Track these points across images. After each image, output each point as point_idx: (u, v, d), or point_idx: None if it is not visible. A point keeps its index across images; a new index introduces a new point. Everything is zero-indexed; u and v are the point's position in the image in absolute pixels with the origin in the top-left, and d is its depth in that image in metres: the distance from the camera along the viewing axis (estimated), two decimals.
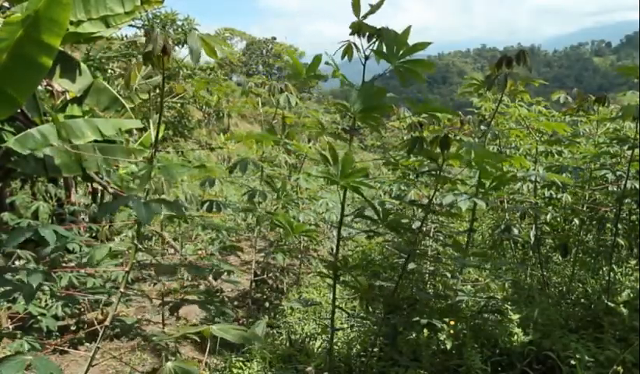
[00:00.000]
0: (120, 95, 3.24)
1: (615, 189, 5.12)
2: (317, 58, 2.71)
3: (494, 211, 6.82)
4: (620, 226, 4.96)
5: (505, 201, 6.08)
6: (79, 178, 4.96)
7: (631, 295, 5.13)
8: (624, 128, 5.73)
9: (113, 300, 2.36)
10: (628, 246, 5.19)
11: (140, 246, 2.64)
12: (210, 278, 3.58)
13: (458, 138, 4.98)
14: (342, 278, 3.13)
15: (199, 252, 3.56)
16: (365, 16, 2.36)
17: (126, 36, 10.47)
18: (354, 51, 2.49)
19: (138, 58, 2.62)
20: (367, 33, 2.34)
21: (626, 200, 4.89)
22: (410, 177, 4.78)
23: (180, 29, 9.67)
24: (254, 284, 4.69)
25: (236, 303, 5.07)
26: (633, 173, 4.74)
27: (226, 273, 3.43)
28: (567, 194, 5.49)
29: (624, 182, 4.68)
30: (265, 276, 5.27)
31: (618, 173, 4.94)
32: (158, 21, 9.80)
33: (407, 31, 2.27)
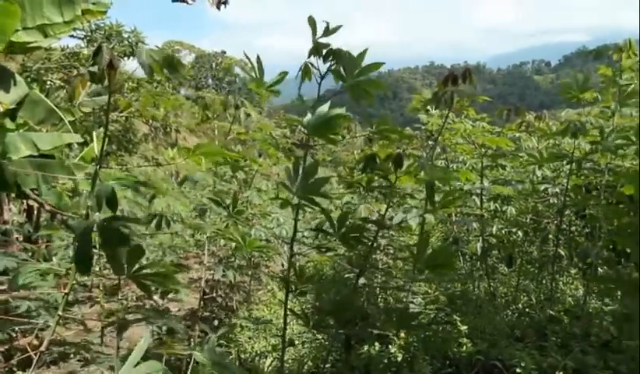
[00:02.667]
0: (58, 108, 3.09)
1: (555, 202, 5.35)
2: (282, 74, 2.72)
3: (443, 224, 6.97)
4: (560, 237, 5.17)
5: (454, 214, 6.23)
6: (13, 195, 4.70)
7: (572, 303, 5.34)
8: (562, 144, 6.00)
9: (50, 324, 2.22)
10: (569, 256, 5.41)
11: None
12: (156, 298, 3.45)
13: (408, 153, 5.07)
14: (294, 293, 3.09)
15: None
16: (321, 38, 2.39)
17: (67, 46, 10.11)
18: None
19: (81, 71, 2.51)
20: (324, 54, 2.37)
21: (566, 212, 5.10)
22: (361, 192, 4.82)
23: (126, 42, 9.40)
24: (202, 302, 4.57)
25: (183, 323, 4.92)
26: (572, 186, 4.97)
27: (173, 292, 3.32)
28: (511, 207, 5.69)
29: (563, 195, 4.90)
30: (215, 293, 5.16)
31: (558, 186, 5.17)
32: (102, 33, 9.51)
33: (363, 53, 2.36)
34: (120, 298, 2.84)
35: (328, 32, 2.36)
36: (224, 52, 41.56)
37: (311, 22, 2.36)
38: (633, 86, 4.68)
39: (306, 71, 2.41)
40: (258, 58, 2.50)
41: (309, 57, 2.39)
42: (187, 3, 4.09)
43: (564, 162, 4.97)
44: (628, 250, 4.27)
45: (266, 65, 2.61)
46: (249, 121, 4.33)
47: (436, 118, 5.34)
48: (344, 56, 2.32)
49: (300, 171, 2.23)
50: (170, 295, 3.67)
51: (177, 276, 4.22)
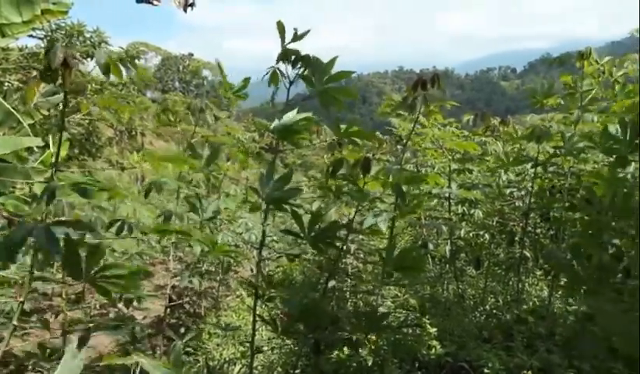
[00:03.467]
0: (17, 110, 2.97)
1: (521, 205, 5.46)
2: (246, 80, 2.69)
3: (412, 227, 7.03)
4: (526, 239, 5.27)
5: (423, 218, 6.29)
6: None
7: (537, 304, 5.45)
8: (527, 148, 6.14)
9: (4, 334, 2.12)
10: (534, 258, 5.52)
11: (40, 273, 2.42)
12: (120, 305, 3.36)
13: (377, 157, 5.10)
14: (263, 299, 3.05)
15: None
16: (289, 44, 2.38)
17: (26, 47, 9.80)
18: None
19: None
20: (293, 60, 2.36)
21: (531, 215, 5.21)
22: (331, 196, 4.81)
23: (88, 42, 9.15)
24: (169, 309, 4.47)
25: (149, 331, 4.80)
26: (536, 189, 5.08)
27: (137, 300, 3.24)
28: (478, 210, 5.78)
29: (528, 198, 5.00)
30: (182, 300, 5.06)
31: (523, 190, 5.28)
32: (63, 33, 9.25)
33: (333, 60, 2.35)
34: (83, 306, 2.75)
35: (296, 38, 2.35)
36: (191, 55, 41.08)
37: (280, 27, 2.34)
38: (594, 92, 4.82)
39: (274, 76, 2.39)
40: (218, 63, 2.47)
41: (277, 63, 2.38)
42: (152, 4, 4.01)
43: (529, 166, 5.07)
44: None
45: (235, 68, 2.58)
46: (217, 125, 4.26)
47: (406, 123, 5.39)
48: (313, 62, 2.32)
49: (269, 176, 2.21)
50: (135, 303, 3.58)
51: (143, 283, 4.11)
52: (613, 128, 4.44)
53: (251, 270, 5.99)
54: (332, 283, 4.22)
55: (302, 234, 2.49)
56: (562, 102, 5.17)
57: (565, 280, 4.50)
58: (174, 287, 4.62)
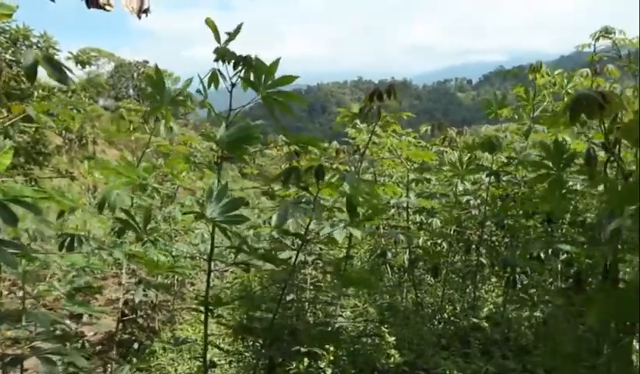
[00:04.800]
0: None
1: (477, 213, 5.56)
2: (187, 82, 2.60)
3: (371, 237, 7.05)
4: (482, 247, 5.37)
5: (381, 227, 6.32)
6: None
7: (493, 310, 5.56)
8: (482, 159, 6.28)
9: None
10: (490, 265, 5.62)
11: None
12: (69, 322, 3.20)
13: (335, 167, 5.10)
14: (217, 312, 2.98)
15: (54, 294, 3.16)
16: (227, 42, 2.30)
17: None
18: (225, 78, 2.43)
19: None
20: (233, 61, 2.28)
21: (487, 223, 5.32)
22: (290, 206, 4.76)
23: (35, 47, 8.78)
24: (121, 324, 4.31)
25: (100, 347, 4.61)
26: (491, 198, 5.19)
27: (87, 316, 3.09)
28: (436, 219, 5.86)
29: (484, 207, 5.11)
30: (135, 315, 4.88)
31: (479, 198, 5.38)
32: (7, 36, 8.86)
33: (276, 62, 2.27)
34: (25, 324, 2.59)
35: (231, 36, 2.28)
36: (147, 62, 40.08)
37: (211, 24, 2.28)
38: (545, 103, 4.99)
39: (213, 78, 2.32)
40: (156, 67, 2.40)
41: (215, 61, 2.30)
42: (104, 9, 3.89)
43: (484, 175, 5.17)
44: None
45: (196, 76, 2.51)
46: (173, 134, 4.16)
47: (362, 133, 5.42)
48: (256, 64, 2.25)
49: (212, 193, 2.13)
50: (85, 318, 3.42)
51: (93, 297, 3.93)
52: (561, 139, 4.60)
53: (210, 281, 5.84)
54: (290, 295, 4.18)
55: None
56: (515, 113, 5.32)
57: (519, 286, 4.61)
58: (126, 301, 4.45)
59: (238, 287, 6.22)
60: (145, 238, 2.66)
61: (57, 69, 1.90)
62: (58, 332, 3.07)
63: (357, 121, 4.82)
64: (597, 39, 4.40)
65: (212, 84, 2.31)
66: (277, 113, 2.40)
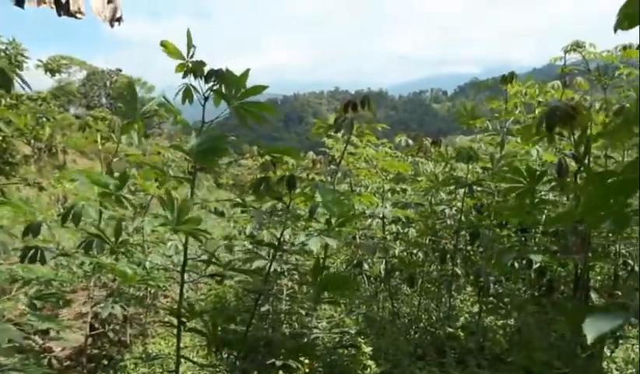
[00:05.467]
0: None
1: (452, 223, 5.60)
2: (158, 98, 2.58)
3: (347, 247, 7.05)
4: (457, 256, 5.41)
5: (358, 237, 6.32)
6: None
7: (468, 319, 5.60)
8: (457, 169, 6.35)
9: None
10: (465, 274, 5.67)
11: None
12: (35, 337, 3.10)
13: (311, 177, 5.09)
14: (191, 325, 2.92)
15: (20, 308, 3.06)
16: (192, 55, 2.29)
17: None
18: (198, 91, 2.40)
19: None
20: (205, 75, 2.26)
21: (462, 232, 5.36)
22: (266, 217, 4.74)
23: (3, 54, 8.54)
24: (91, 338, 4.19)
25: (68, 363, 4.47)
26: (466, 208, 5.24)
27: (55, 330, 2.99)
28: (412, 228, 5.89)
29: (459, 217, 5.15)
30: (105, 328, 4.75)
31: (454, 208, 5.42)
32: None
33: (245, 74, 2.26)
34: None
35: (189, 48, 2.26)
36: (120, 70, 39.42)
37: (188, 36, 2.25)
38: (517, 113, 5.08)
39: (187, 92, 2.30)
40: (130, 80, 2.36)
41: (185, 76, 2.28)
42: (75, 17, 3.83)
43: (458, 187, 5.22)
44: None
45: (172, 85, 2.48)
46: (146, 144, 4.09)
47: (338, 143, 5.43)
48: (226, 76, 2.24)
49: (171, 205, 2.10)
50: (53, 333, 3.31)
51: (62, 311, 3.84)
52: (534, 151, 4.69)
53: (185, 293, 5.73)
54: (266, 306, 4.13)
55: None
56: (489, 124, 5.40)
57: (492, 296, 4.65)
58: (96, 314, 4.33)
59: (213, 299, 6.13)
60: (117, 251, 2.60)
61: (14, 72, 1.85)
62: (22, 347, 2.97)
63: (333, 132, 4.82)
64: (567, 52, 4.52)
65: (187, 99, 2.29)
66: (253, 123, 2.38)
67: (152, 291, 5.30)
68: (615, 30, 1.56)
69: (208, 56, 2.50)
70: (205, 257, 2.56)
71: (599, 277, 5.10)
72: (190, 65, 2.25)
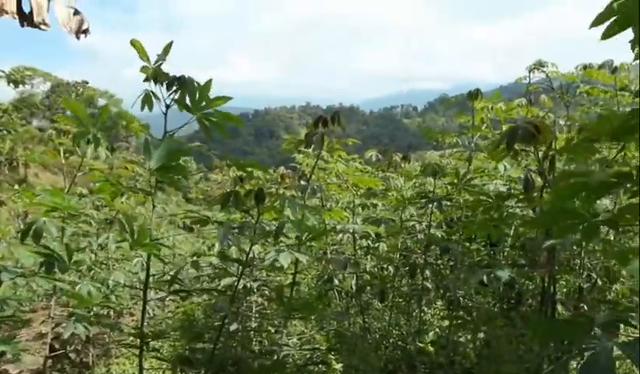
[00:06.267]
0: None
1: (422, 237, 5.64)
2: (105, 109, 2.51)
3: (318, 262, 7.01)
4: (427, 271, 5.44)
5: (328, 252, 6.29)
6: None
7: (439, 333, 5.61)
8: (426, 183, 6.41)
9: None
10: (435, 288, 5.69)
11: None
12: None
13: (281, 192, 5.05)
14: (156, 344, 2.83)
15: None
16: (159, 63, 2.24)
17: None
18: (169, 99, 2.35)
19: None
20: (167, 82, 2.20)
21: (432, 246, 5.39)
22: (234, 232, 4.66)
23: None
24: (50, 359, 4.02)
25: None
26: (435, 223, 5.29)
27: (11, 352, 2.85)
28: (382, 243, 5.89)
29: (428, 231, 5.18)
30: (66, 349, 4.57)
31: (424, 223, 5.46)
32: None
33: (208, 83, 2.21)
34: None
35: (160, 56, 2.23)
36: (86, 82, 38.62)
37: (138, 46, 2.21)
38: (483, 129, 5.18)
39: (146, 99, 2.24)
40: (82, 93, 2.30)
41: (145, 81, 2.23)
42: (39, 28, 3.74)
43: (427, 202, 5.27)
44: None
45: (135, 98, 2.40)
46: (113, 158, 3.99)
47: (310, 158, 5.42)
48: (189, 85, 2.19)
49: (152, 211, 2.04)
50: (9, 354, 3.16)
51: (21, 331, 3.69)
52: (501, 166, 4.78)
53: (150, 313, 5.60)
54: (234, 324, 4.05)
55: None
56: (458, 140, 5.49)
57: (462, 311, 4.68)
58: (57, 334, 4.17)
59: (180, 317, 5.99)
60: (78, 270, 2.51)
61: None
62: None
63: (304, 147, 4.81)
64: (531, 71, 4.67)
65: (147, 106, 2.23)
66: (223, 137, 2.34)
67: (116, 310, 5.14)
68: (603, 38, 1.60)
69: (177, 69, 2.44)
70: (171, 274, 2.49)
71: (565, 290, 5.19)
72: (152, 70, 2.20)
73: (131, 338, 5.75)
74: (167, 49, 2.22)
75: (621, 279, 4.57)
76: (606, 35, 1.54)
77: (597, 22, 1.52)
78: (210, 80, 2.18)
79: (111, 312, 5.17)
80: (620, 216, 1.60)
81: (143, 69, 2.19)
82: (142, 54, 2.18)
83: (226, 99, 2.24)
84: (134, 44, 2.19)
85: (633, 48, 1.62)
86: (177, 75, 2.20)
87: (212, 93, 2.28)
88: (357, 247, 5.87)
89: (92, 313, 4.47)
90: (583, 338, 1.31)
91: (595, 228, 1.52)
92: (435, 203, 4.85)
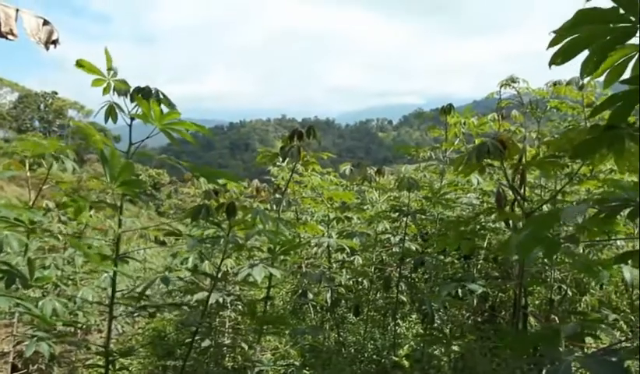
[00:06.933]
0: None
1: (397, 251, 5.65)
2: (90, 126, 2.46)
3: (293, 276, 6.96)
4: (402, 284, 5.44)
5: (303, 266, 6.25)
6: None
7: (414, 347, 5.60)
8: (401, 197, 6.44)
9: None
10: (410, 301, 5.69)
11: None
12: None
13: (254, 205, 5.01)
14: (123, 362, 2.75)
15: None
16: (115, 74, 2.21)
17: None
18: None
19: None
20: (130, 94, 2.17)
21: (407, 260, 5.41)
22: (206, 246, 4.59)
23: None
24: None
25: None
26: (410, 236, 5.31)
27: None
28: (357, 257, 5.88)
29: (403, 244, 5.20)
30: (29, 369, 4.40)
31: (398, 236, 5.47)
32: None
33: (166, 98, 2.19)
34: None
35: (109, 70, 2.20)
36: (55, 93, 37.91)
37: (107, 55, 2.18)
38: (456, 143, 5.25)
39: (110, 111, 2.20)
40: (52, 104, 2.25)
41: (105, 94, 2.19)
42: (7, 38, 3.65)
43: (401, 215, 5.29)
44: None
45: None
46: (82, 170, 3.90)
47: (284, 171, 5.40)
48: (149, 95, 2.16)
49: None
50: None
51: None
52: (474, 180, 4.84)
53: (119, 329, 5.44)
54: (206, 340, 3.97)
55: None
56: (432, 153, 5.56)
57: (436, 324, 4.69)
58: (20, 353, 4.01)
59: (151, 333, 5.83)
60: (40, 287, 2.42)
61: None
62: None
63: (279, 160, 4.80)
64: (503, 87, 4.76)
65: (111, 117, 2.19)
66: (200, 150, 2.31)
67: (83, 327, 4.98)
68: (550, 66, 1.66)
69: (149, 81, 2.41)
70: (138, 290, 2.43)
71: (537, 302, 5.26)
72: (112, 82, 2.16)
73: (98, 356, 5.60)
74: (109, 61, 2.18)
75: (591, 290, 4.66)
76: (551, 63, 1.60)
77: (553, 43, 1.58)
78: (165, 95, 2.16)
79: (78, 330, 5.02)
80: (581, 232, 1.67)
81: (95, 82, 2.15)
82: (92, 71, 2.15)
83: (176, 114, 2.21)
84: (81, 63, 2.16)
85: (582, 75, 1.66)
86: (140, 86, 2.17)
87: (184, 107, 2.26)
88: (332, 260, 5.85)
89: (56, 331, 4.31)
90: (551, 350, 1.32)
91: (555, 244, 1.57)
92: (409, 216, 4.88)
